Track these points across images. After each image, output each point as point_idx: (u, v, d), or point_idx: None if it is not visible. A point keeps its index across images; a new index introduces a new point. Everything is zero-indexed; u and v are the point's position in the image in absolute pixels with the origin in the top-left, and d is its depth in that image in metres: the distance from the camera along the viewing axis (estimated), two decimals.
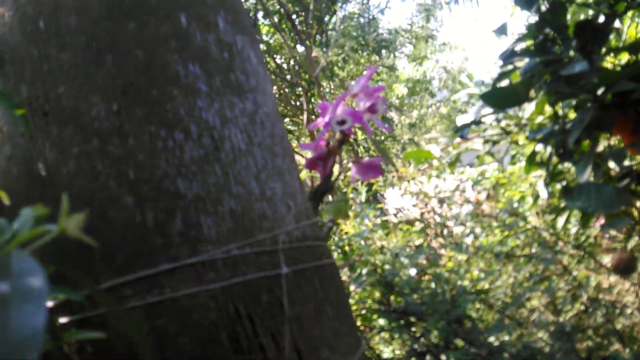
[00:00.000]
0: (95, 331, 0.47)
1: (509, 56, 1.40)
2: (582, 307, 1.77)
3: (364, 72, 0.92)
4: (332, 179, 0.91)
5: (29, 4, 0.55)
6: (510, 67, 1.49)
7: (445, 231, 2.36)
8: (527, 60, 1.36)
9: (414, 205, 2.67)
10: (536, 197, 1.85)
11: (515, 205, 2.17)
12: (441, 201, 2.38)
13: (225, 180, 0.55)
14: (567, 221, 1.76)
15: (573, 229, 1.86)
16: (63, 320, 0.52)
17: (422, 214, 2.53)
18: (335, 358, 0.59)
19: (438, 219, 2.28)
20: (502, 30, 1.45)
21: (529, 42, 1.42)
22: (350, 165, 0.94)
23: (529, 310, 1.86)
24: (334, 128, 0.84)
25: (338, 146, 0.88)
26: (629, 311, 1.82)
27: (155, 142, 0.53)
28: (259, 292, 0.54)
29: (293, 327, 0.55)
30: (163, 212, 0.52)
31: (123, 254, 0.52)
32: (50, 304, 0.52)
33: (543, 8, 1.41)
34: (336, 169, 0.95)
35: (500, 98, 1.25)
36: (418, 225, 2.24)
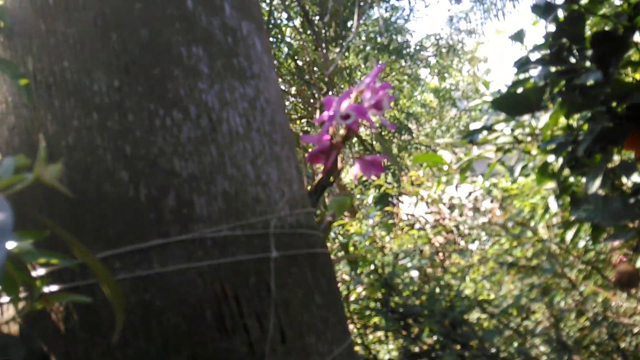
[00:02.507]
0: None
1: (523, 64, 1.39)
2: (587, 323, 1.75)
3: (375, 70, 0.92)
4: (334, 173, 0.91)
5: None
6: (525, 75, 1.48)
7: (458, 238, 2.35)
8: (541, 68, 1.35)
9: (427, 212, 2.65)
10: (546, 209, 1.83)
11: (527, 216, 2.15)
12: (453, 208, 2.37)
13: (220, 162, 0.56)
14: (576, 235, 1.73)
15: (582, 243, 1.84)
16: (53, 288, 0.53)
17: (436, 220, 2.51)
18: (321, 346, 0.59)
19: (459, 227, 2.27)
20: (518, 37, 1.44)
21: (545, 51, 1.41)
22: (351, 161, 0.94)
23: (534, 322, 1.83)
24: (337, 122, 0.84)
25: (342, 141, 0.88)
26: (635, 330, 1.79)
27: (154, 119, 0.54)
28: (247, 273, 0.55)
29: (279, 311, 0.55)
30: (157, 189, 0.53)
31: (115, 228, 0.52)
32: (42, 271, 0.54)
33: (561, 17, 1.40)
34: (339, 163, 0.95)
35: (511, 104, 1.24)
36: (427, 230, 2.23)
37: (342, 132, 0.87)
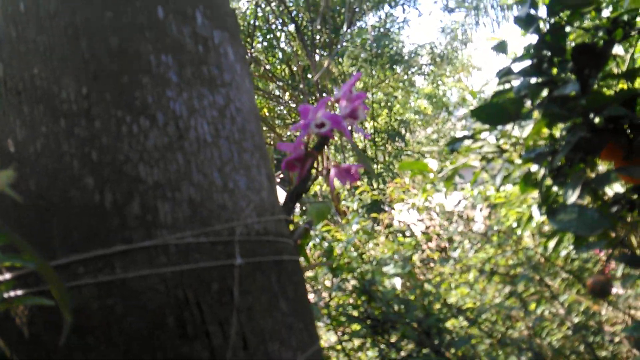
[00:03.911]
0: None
1: (505, 74, 1.41)
2: (570, 332, 1.76)
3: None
4: (310, 180, 0.92)
5: None
6: (507, 85, 1.50)
7: (445, 246, 2.36)
8: (522, 79, 1.37)
9: (419, 219, 2.67)
10: (529, 218, 1.84)
11: (513, 224, 2.17)
12: (442, 215, 2.38)
13: (186, 169, 0.57)
14: (559, 244, 1.75)
15: (566, 252, 1.85)
16: (19, 292, 0.53)
17: (426, 227, 2.53)
18: (285, 352, 0.60)
19: (442, 233, 2.28)
20: (501, 48, 1.46)
21: (527, 62, 1.43)
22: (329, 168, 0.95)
23: (517, 331, 1.85)
24: (312, 130, 0.85)
25: (316, 148, 0.89)
26: (617, 339, 1.80)
27: (121, 126, 0.55)
28: (210, 280, 0.55)
29: (242, 317, 0.56)
30: (122, 195, 0.54)
31: (80, 233, 0.53)
32: (7, 275, 0.54)
33: (543, 29, 1.42)
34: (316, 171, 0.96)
35: (489, 114, 1.26)
36: (418, 236, 2.24)
37: (316, 139, 0.89)
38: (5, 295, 0.52)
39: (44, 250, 0.53)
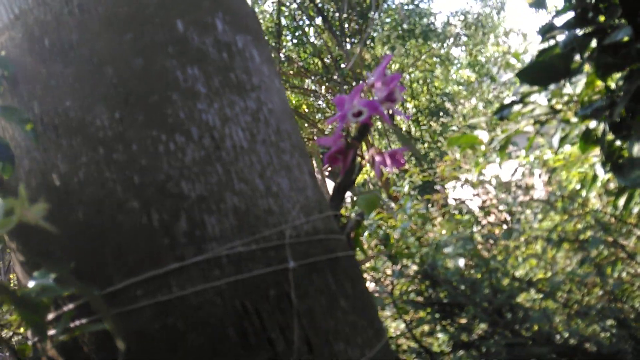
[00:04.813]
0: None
1: (547, 30, 1.33)
2: None
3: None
4: (355, 172, 0.89)
5: (35, 25, 0.58)
6: (552, 42, 1.41)
7: (506, 218, 2.27)
8: (567, 33, 1.28)
9: (475, 194, 2.58)
10: (593, 177, 1.74)
11: (576, 186, 2.06)
12: (500, 187, 2.29)
13: (227, 179, 0.56)
14: (629, 201, 1.64)
15: (637, 209, 1.74)
16: (82, 321, 0.54)
17: (483, 202, 2.44)
18: (351, 351, 0.58)
19: (501, 207, 2.19)
20: (539, 4, 1.37)
21: (569, 15, 1.34)
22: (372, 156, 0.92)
23: (595, 297, 1.75)
24: (350, 120, 0.83)
25: (357, 138, 0.87)
26: None
27: (158, 146, 0.55)
28: (266, 287, 0.54)
29: (303, 320, 0.55)
30: (168, 214, 0.54)
31: (133, 256, 0.53)
32: (71, 305, 0.55)
33: None
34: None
35: (536, 75, 1.19)
36: (476, 212, 2.17)
37: (356, 129, 0.86)
38: (71, 325, 0.53)
39: (100, 276, 0.54)
